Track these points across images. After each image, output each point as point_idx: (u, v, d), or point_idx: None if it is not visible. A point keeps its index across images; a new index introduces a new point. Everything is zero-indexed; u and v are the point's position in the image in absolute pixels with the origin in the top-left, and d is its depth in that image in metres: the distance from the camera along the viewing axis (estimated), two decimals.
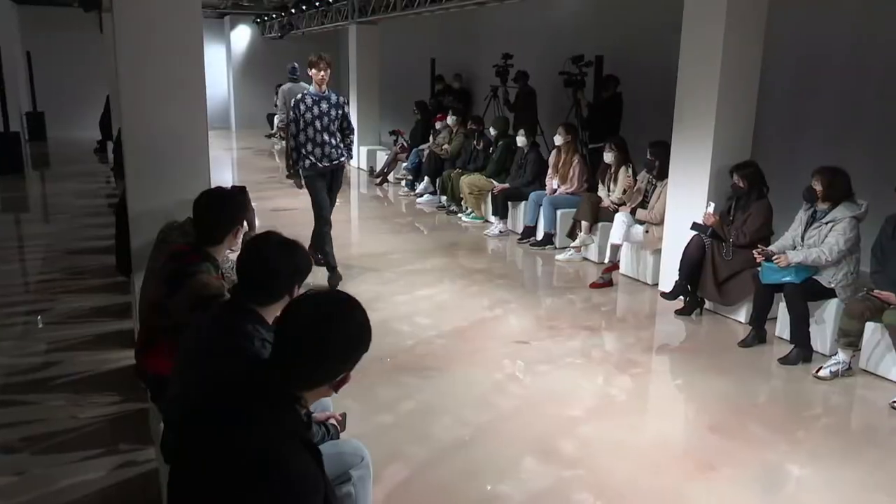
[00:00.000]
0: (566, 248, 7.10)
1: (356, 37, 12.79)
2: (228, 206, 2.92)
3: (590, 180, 7.47)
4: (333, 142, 5.82)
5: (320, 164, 5.80)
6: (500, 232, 8.06)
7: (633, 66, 8.98)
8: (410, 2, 10.84)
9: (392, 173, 11.46)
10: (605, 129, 8.32)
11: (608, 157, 6.80)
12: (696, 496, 3.16)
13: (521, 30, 11.51)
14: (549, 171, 7.67)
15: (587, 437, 3.67)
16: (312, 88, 5.81)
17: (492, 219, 8.39)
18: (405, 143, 11.30)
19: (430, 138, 10.34)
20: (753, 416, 3.94)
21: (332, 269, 6.05)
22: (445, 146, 9.81)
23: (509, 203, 8.08)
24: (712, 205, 5.34)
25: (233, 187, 3.07)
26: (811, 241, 4.66)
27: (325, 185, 5.90)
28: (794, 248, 4.75)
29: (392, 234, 8.27)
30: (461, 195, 8.89)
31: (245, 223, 3.05)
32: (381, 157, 12.31)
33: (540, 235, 7.57)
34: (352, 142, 6.10)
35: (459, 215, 8.92)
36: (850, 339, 4.32)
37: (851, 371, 4.40)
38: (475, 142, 9.17)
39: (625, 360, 4.72)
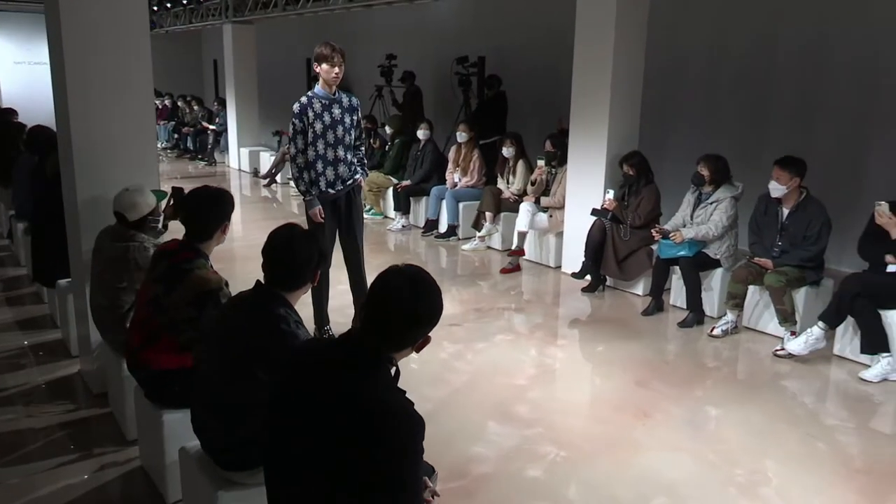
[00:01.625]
0: (471, 238, 7.55)
1: (231, 36, 12.58)
2: (219, 203, 3.05)
3: (488, 173, 7.96)
4: (349, 158, 4.58)
5: (332, 190, 4.55)
6: (403, 227, 8.38)
7: (515, 66, 9.61)
8: (291, 1, 10.87)
9: (280, 174, 11.43)
10: (492, 126, 8.89)
11: (507, 151, 7.30)
12: (640, 438, 3.67)
13: (400, 31, 11.86)
14: (450, 165, 8.08)
15: (537, 400, 4.10)
16: (319, 89, 4.46)
17: (392, 214, 8.68)
18: None
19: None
20: (667, 372, 4.55)
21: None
22: None
23: (411, 198, 8.41)
24: (611, 192, 5.96)
25: (216, 188, 3.19)
26: (699, 219, 5.38)
27: (335, 219, 4.68)
28: (685, 226, 5.45)
29: None
30: None
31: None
32: (265, 158, 12.23)
33: (443, 228, 7.96)
34: (364, 155, 4.83)
35: None
36: (736, 300, 5.06)
37: (738, 328, 5.15)
38: (370, 140, 9.41)
39: (550, 333, 5.22)
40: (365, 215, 8.71)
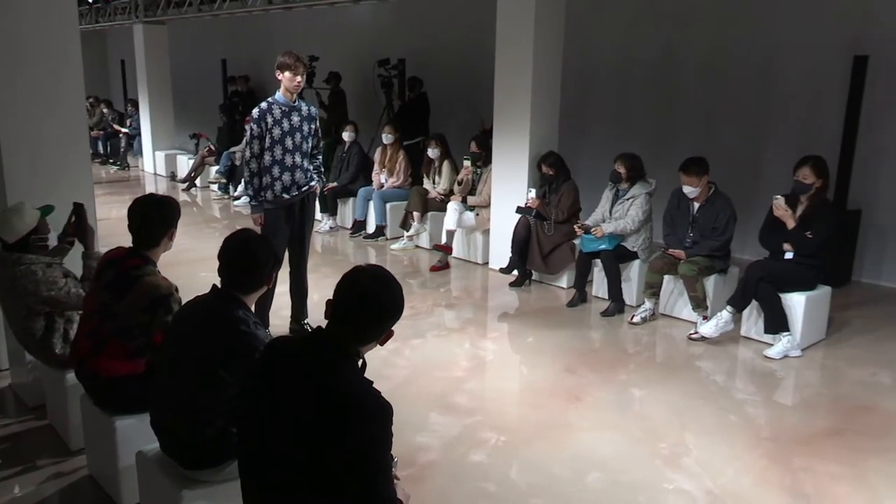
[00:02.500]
0: (399, 238, 7.70)
1: (143, 37, 12.24)
2: (165, 211, 3.09)
3: (413, 174, 8.13)
4: (305, 164, 4.69)
5: (287, 195, 4.63)
6: (331, 228, 8.44)
7: (435, 68, 9.82)
8: (208, 1, 10.71)
9: (199, 177, 11.23)
10: (415, 127, 9.08)
11: (433, 152, 7.50)
12: (573, 420, 3.93)
13: (320, 32, 11.87)
14: (376, 166, 8.20)
15: (474, 390, 4.31)
16: (280, 96, 4.56)
17: (319, 216, 8.72)
18: (212, 147, 11.13)
19: (244, 140, 10.32)
20: (593, 358, 4.86)
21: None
22: None
23: (338, 199, 8.48)
24: (533, 191, 6.24)
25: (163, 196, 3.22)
26: (617, 214, 5.72)
27: (288, 224, 4.72)
28: (605, 221, 5.79)
29: (217, 237, 8.24)
30: None
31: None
32: (182, 161, 11.99)
33: (371, 228, 8.08)
34: (320, 163, 4.93)
35: None
36: (653, 289, 5.43)
37: (655, 315, 5.53)
38: None
39: (481, 327, 5.44)
40: None
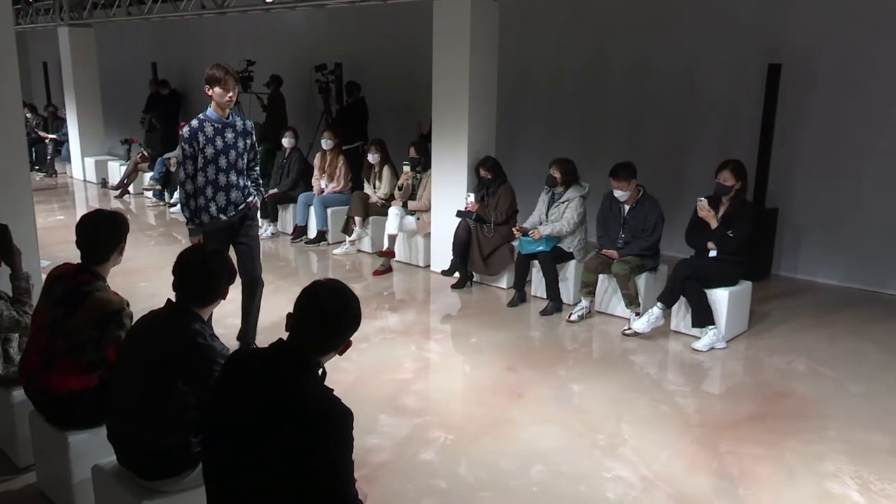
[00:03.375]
0: (341, 242, 7.77)
1: (69, 40, 11.88)
2: (114, 226, 3.12)
3: (353, 178, 8.21)
4: (241, 182, 4.44)
5: (224, 216, 4.38)
6: (272, 234, 8.44)
7: (372, 72, 9.92)
8: (137, 3, 10.50)
9: (132, 184, 11.00)
10: (354, 132, 9.16)
11: (373, 157, 7.60)
12: (517, 416, 4.12)
13: (253, 36, 11.79)
14: (316, 172, 8.24)
15: (422, 391, 4.46)
16: (212, 112, 4.30)
17: (260, 222, 8.70)
18: (145, 153, 10.92)
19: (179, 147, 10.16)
20: (534, 356, 5.07)
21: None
22: None
23: (278, 205, 8.48)
24: (471, 195, 6.43)
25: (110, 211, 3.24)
26: (553, 217, 5.96)
27: (229, 243, 4.51)
28: (541, 224, 6.02)
29: (158, 246, 8.17)
30: None
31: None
32: (113, 168, 11.71)
33: (312, 234, 8.13)
34: (258, 175, 4.69)
35: None
36: (589, 288, 5.69)
37: (592, 313, 5.79)
38: None
39: (425, 329, 5.59)
40: None
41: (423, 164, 7.14)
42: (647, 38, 7.59)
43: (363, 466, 3.54)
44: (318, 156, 8.32)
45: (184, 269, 2.63)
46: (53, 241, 7.46)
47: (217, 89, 4.22)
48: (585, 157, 7.19)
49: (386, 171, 7.60)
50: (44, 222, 8.78)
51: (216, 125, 4.30)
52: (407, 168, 7.16)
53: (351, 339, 2.22)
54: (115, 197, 10.88)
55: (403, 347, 5.18)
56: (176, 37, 13.53)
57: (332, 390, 2.12)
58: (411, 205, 7.17)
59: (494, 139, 6.86)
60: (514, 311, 5.99)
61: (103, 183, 11.82)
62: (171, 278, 2.65)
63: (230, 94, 4.25)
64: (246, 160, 4.50)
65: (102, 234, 3.08)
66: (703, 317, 5.13)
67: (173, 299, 2.66)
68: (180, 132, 9.94)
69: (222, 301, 2.76)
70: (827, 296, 6.42)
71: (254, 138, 4.57)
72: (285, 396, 2.02)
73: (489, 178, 6.41)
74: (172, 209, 9.75)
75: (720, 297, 5.15)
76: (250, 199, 4.55)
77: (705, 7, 7.16)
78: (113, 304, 2.96)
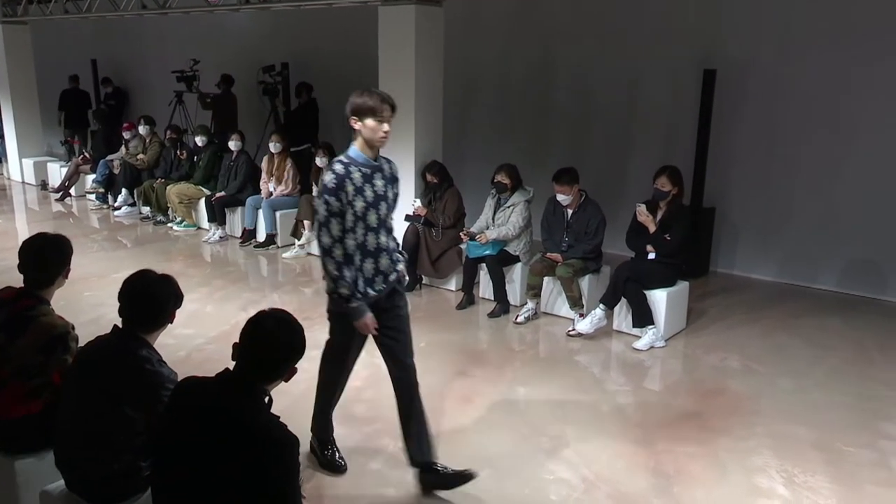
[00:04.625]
0: (290, 246, 7.77)
1: (2, 37, 11.49)
2: (60, 249, 3.11)
3: (302, 181, 8.20)
4: (391, 245, 3.41)
5: (373, 290, 3.33)
6: (220, 238, 8.38)
7: (319, 74, 9.89)
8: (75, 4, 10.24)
9: (74, 186, 10.74)
10: (304, 134, 9.13)
11: (320, 161, 7.60)
12: (465, 422, 4.25)
13: (196, 36, 11.62)
14: (264, 175, 8.20)
15: (372, 399, 4.53)
16: (358, 153, 3.23)
17: (206, 225, 8.63)
18: (87, 155, 10.67)
19: (122, 148, 9.99)
20: (482, 359, 5.20)
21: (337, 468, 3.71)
22: (141, 156, 9.62)
23: (226, 209, 8.42)
24: (417, 200, 6.52)
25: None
26: (499, 221, 6.10)
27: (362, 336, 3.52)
28: (488, 228, 6.15)
29: (102, 251, 8.02)
30: (168, 205, 8.92)
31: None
32: (53, 170, 11.41)
33: (262, 237, 8.10)
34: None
35: (170, 225, 8.95)
36: (534, 291, 5.84)
37: (538, 315, 5.95)
38: (176, 150, 9.20)
39: None
40: (178, 228, 8.77)
41: None
42: (589, 46, 7.78)
43: (312, 477, 3.62)
44: (265, 158, 8.28)
45: (130, 294, 2.65)
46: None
47: (370, 122, 3.18)
48: (531, 161, 7.36)
49: None
50: None
51: (364, 170, 3.22)
52: None
53: (296, 366, 2.30)
54: (56, 200, 10.61)
55: None
56: (117, 34, 13.22)
57: (279, 417, 2.19)
58: None
59: (441, 144, 6.96)
60: (462, 313, 6.11)
61: (43, 185, 11.50)
62: (117, 286, 2.67)
63: (386, 127, 3.22)
64: (392, 215, 3.45)
65: (49, 258, 3.07)
66: (642, 317, 5.33)
67: (119, 325, 2.68)
68: (123, 134, 9.83)
69: (169, 325, 2.79)
70: (761, 291, 6.72)
71: (398, 188, 3.47)
72: (233, 425, 2.09)
73: (435, 182, 6.50)
74: (117, 213, 9.58)
75: (659, 298, 5.36)
76: (400, 266, 3.47)
77: (645, 14, 7.38)
78: (58, 328, 2.96)
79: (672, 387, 4.85)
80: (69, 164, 10.93)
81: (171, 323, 2.78)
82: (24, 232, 9.02)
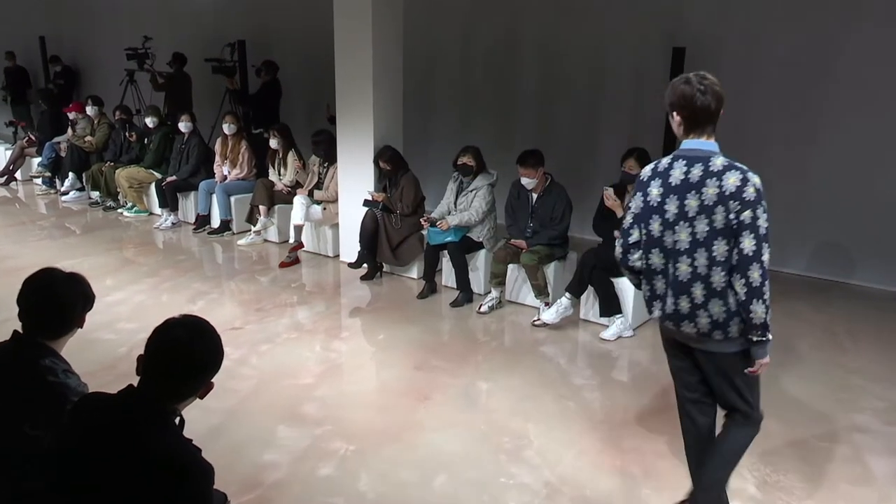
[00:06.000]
0: (246, 232, 7.43)
1: None
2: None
3: (258, 165, 7.84)
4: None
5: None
6: (173, 224, 8.00)
7: (277, 52, 9.47)
8: None
9: (20, 170, 10.23)
10: (265, 115, 8.72)
11: (273, 142, 7.26)
12: (422, 420, 4.00)
13: (149, 11, 11.11)
14: (218, 158, 7.83)
15: (324, 397, 4.26)
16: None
17: (158, 211, 8.24)
18: (33, 137, 10.15)
19: (69, 130, 9.50)
20: (443, 351, 4.95)
21: None
22: (89, 138, 9.16)
23: (178, 193, 8.03)
24: (370, 190, 6.23)
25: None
26: (462, 206, 5.83)
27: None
28: (450, 213, 5.88)
29: (48, 239, 7.59)
30: (118, 189, 8.51)
31: None
32: None
33: (216, 223, 7.74)
34: None
35: (120, 211, 8.54)
36: (498, 279, 5.60)
37: (502, 303, 5.72)
38: (126, 132, 8.77)
39: (332, 326, 5.38)
40: (128, 214, 8.36)
41: (325, 155, 6.86)
42: (555, 23, 7.50)
43: (257, 487, 3.36)
44: (219, 141, 7.90)
45: (31, 296, 2.34)
46: None
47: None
48: (496, 141, 7.10)
49: (290, 157, 7.28)
50: None
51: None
52: (312, 158, 6.87)
53: (213, 380, 2.02)
54: (1, 185, 10.09)
55: (308, 348, 4.97)
56: (66, 8, 12.62)
57: (191, 441, 1.91)
58: (317, 195, 6.90)
59: (402, 126, 6.64)
60: (424, 302, 5.86)
61: None
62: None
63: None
64: None
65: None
66: (610, 306, 5.13)
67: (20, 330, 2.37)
68: (69, 115, 9.33)
69: (79, 329, 2.48)
70: None
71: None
72: (136, 449, 1.81)
73: (388, 168, 6.21)
74: (65, 198, 9.13)
75: (627, 286, 5.15)
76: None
77: None
78: None
79: (639, 380, 4.65)
80: (13, 147, 10.38)
81: (81, 328, 2.47)
82: None
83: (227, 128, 7.67)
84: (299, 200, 6.76)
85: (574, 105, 7.54)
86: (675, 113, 2.65)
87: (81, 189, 9.17)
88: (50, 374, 2.29)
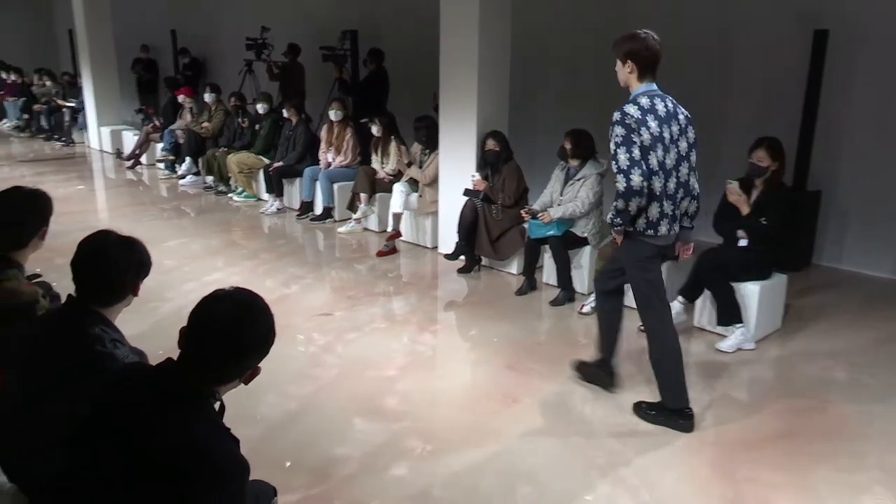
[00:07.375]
0: (347, 220, 7.34)
1: (83, 6, 11.57)
2: (36, 206, 2.72)
3: (363, 153, 7.74)
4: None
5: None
6: (278, 209, 8.06)
7: (387, 41, 9.38)
8: None
9: (145, 155, 10.72)
10: (372, 104, 8.63)
11: (374, 129, 7.12)
12: (506, 426, 3.65)
13: (270, 4, 11.35)
14: (322, 145, 7.80)
15: (406, 391, 4.01)
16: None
17: (265, 196, 8.33)
18: (157, 123, 10.61)
19: (178, 116, 9.84)
20: (538, 352, 4.58)
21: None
22: (206, 124, 9.43)
23: (283, 180, 8.08)
24: (476, 175, 5.91)
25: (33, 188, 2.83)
26: (567, 196, 5.42)
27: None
28: (553, 204, 5.49)
29: (161, 220, 7.83)
30: (230, 174, 8.68)
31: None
32: (128, 138, 11.44)
33: (319, 210, 7.71)
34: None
35: (230, 195, 8.71)
36: None
37: None
38: (239, 119, 8.94)
39: (423, 319, 5.13)
40: (237, 198, 8.52)
41: (427, 141, 6.62)
42: (670, 2, 6.90)
43: (325, 481, 3.14)
44: (324, 128, 7.87)
45: (84, 258, 2.20)
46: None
47: None
48: (606, 130, 6.59)
49: (393, 145, 7.11)
50: (63, 193, 8.54)
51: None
52: (414, 146, 6.67)
53: (260, 365, 1.77)
54: (128, 168, 10.62)
55: (396, 339, 4.73)
56: (193, 4, 13.17)
57: (229, 430, 1.67)
58: (412, 171, 6.64)
59: (507, 111, 6.31)
60: (522, 299, 5.50)
61: (118, 153, 11.57)
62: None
63: None
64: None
65: (20, 216, 2.68)
66: (729, 314, 4.57)
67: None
68: (178, 98, 9.59)
69: (134, 298, 2.32)
70: (874, 290, 5.77)
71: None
72: (166, 433, 1.58)
73: (496, 150, 5.86)
74: (182, 182, 9.45)
75: (750, 292, 4.58)
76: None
77: None
78: (23, 297, 2.59)
79: (760, 400, 4.08)
80: (140, 132, 10.90)
81: (136, 296, 2.31)
82: (102, 199, 9.00)
83: (333, 114, 7.62)
84: (398, 188, 6.58)
85: (694, 93, 6.88)
86: (629, 61, 3.49)
87: (197, 174, 9.45)
88: (98, 343, 2.13)
